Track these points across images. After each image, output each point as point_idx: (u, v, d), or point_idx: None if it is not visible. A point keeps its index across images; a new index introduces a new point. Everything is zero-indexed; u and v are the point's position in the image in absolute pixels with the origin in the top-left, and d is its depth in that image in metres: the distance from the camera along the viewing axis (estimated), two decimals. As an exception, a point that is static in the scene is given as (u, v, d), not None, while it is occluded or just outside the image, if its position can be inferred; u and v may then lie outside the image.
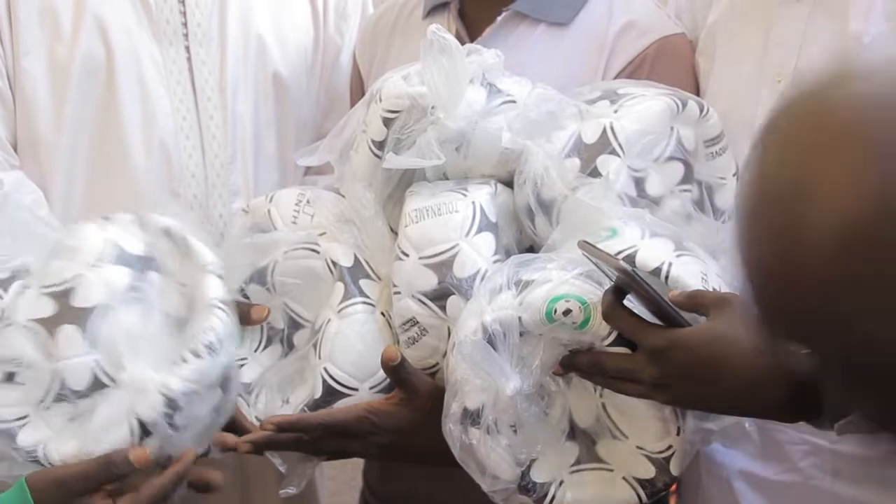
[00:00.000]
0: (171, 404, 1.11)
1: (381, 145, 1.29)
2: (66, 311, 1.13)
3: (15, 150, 1.55)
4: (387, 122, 1.28)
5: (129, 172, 1.56)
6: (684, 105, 1.31)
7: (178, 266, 1.21)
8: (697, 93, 1.43)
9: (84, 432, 1.08)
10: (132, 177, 1.56)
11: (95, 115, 1.55)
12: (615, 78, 1.42)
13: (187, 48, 1.59)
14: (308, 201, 1.38)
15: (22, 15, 1.52)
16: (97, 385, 1.11)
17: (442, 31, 1.24)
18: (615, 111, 1.30)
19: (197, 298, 1.19)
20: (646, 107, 1.30)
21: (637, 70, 1.41)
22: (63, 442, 1.08)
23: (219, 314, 1.18)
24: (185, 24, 1.59)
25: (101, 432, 1.08)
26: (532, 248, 1.33)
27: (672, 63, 1.42)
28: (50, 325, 1.13)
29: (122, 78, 1.55)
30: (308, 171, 1.66)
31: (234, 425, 1.29)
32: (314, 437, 1.28)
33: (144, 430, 1.10)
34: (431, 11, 1.52)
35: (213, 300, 1.18)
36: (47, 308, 1.14)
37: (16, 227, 1.22)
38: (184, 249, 1.22)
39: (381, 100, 1.28)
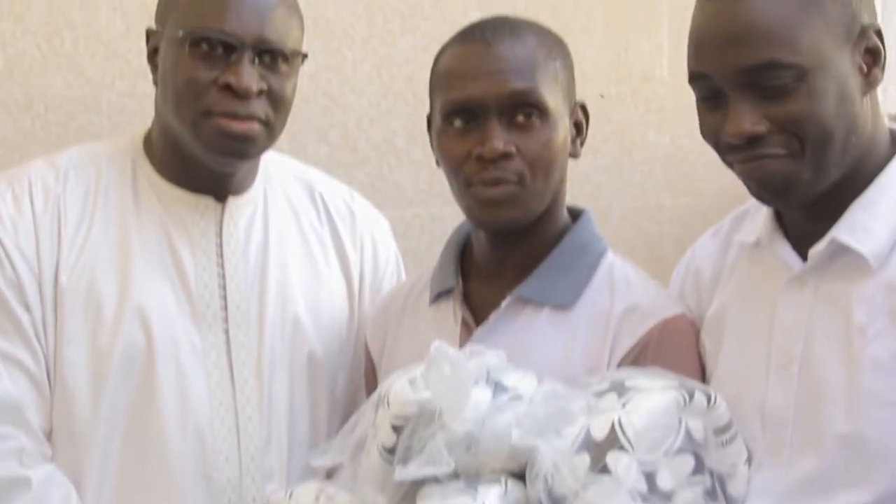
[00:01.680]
0: None
1: (391, 450, 1.28)
2: None
3: (49, 437, 1.55)
4: (396, 429, 1.27)
5: (162, 458, 1.55)
6: (692, 397, 1.29)
7: None
8: (702, 371, 1.43)
9: None
10: (166, 462, 1.55)
11: (133, 401, 1.55)
12: (621, 360, 1.42)
13: (226, 331, 1.60)
14: (326, 498, 1.36)
15: (68, 305, 1.54)
16: None
17: (444, 347, 1.25)
18: (623, 405, 1.28)
19: None
20: (653, 401, 1.28)
21: (642, 353, 1.42)
22: None
23: None
24: (224, 308, 1.61)
25: None
26: (548, 542, 1.29)
27: (676, 346, 1.43)
28: None
29: (160, 364, 1.55)
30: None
31: None
32: None
33: None
34: (438, 297, 1.54)
35: None
36: None
37: None
38: None
39: (388, 405, 1.28)
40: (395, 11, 2.32)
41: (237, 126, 1.53)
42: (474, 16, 2.22)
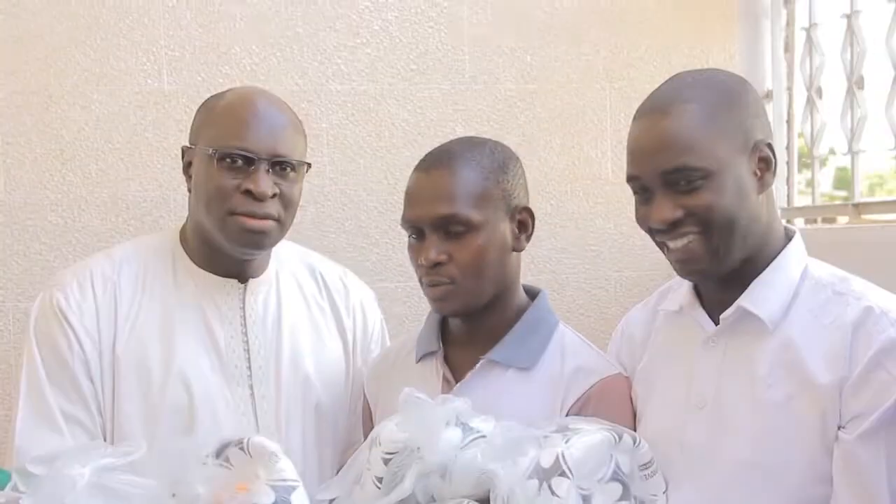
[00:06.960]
0: None
1: (381, 480, 1.28)
2: None
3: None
4: (386, 462, 1.29)
5: None
6: (620, 438, 1.33)
7: None
8: (633, 419, 1.44)
9: None
10: None
11: None
12: (569, 409, 1.46)
13: (251, 387, 1.61)
14: None
15: (123, 371, 1.57)
16: None
17: (414, 392, 1.28)
18: (566, 441, 1.32)
19: None
20: (590, 439, 1.31)
21: (585, 405, 1.46)
22: None
23: None
24: (249, 368, 1.61)
25: None
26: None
27: (612, 399, 1.46)
28: None
29: (200, 416, 1.57)
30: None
31: None
32: None
33: None
34: (423, 357, 1.57)
35: None
36: None
37: None
38: None
39: (380, 444, 1.31)
40: (398, 128, 2.42)
41: (255, 223, 1.56)
42: (460, 131, 2.37)
